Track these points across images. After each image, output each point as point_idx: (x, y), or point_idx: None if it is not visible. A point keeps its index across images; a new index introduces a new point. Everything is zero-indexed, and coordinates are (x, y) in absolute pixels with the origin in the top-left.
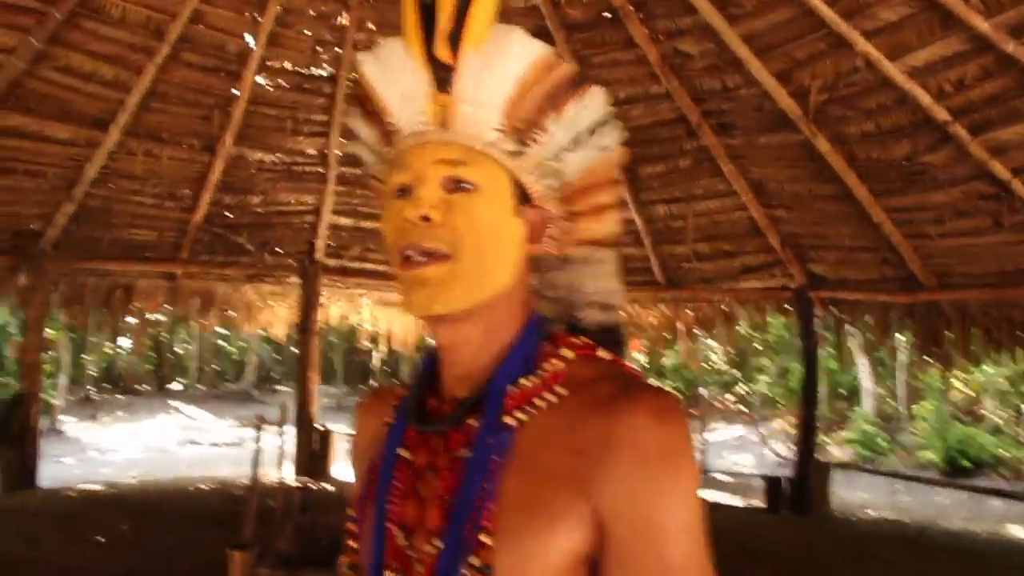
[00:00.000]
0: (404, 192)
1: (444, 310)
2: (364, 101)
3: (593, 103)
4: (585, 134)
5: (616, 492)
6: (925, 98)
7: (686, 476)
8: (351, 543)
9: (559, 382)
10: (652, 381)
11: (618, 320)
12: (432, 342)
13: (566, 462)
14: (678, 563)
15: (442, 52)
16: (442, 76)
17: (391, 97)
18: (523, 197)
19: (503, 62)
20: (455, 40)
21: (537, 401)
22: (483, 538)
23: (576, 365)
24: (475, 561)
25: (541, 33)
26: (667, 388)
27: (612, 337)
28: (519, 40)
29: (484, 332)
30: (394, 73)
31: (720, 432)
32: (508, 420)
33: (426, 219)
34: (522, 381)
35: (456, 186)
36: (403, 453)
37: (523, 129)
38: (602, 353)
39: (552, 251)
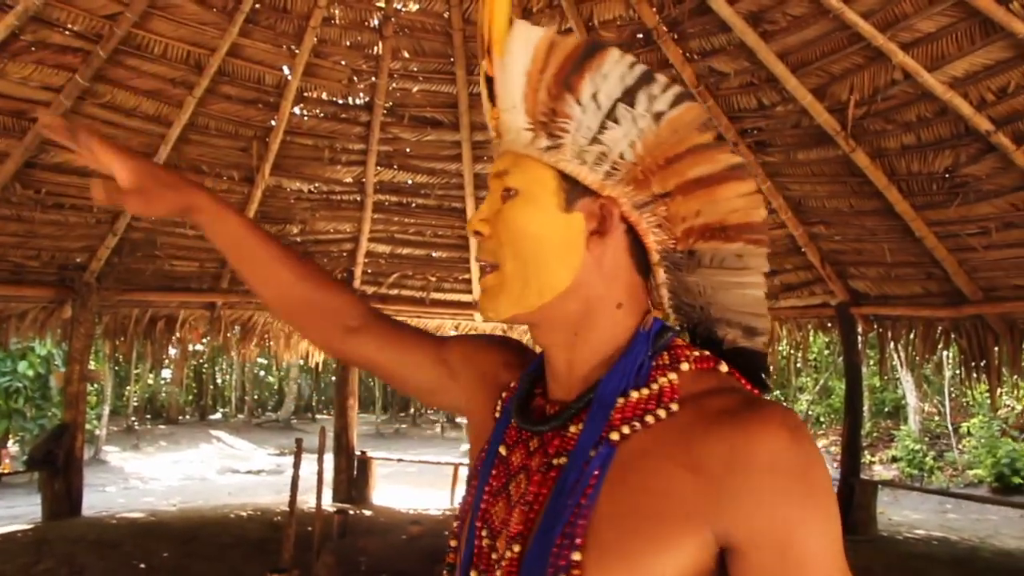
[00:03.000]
0: None
1: (496, 317)
2: None
3: (612, 68)
4: (621, 104)
5: (752, 515)
6: (966, 108)
7: (827, 497)
8: (452, 543)
9: (672, 398)
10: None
11: (762, 350)
12: None
13: (679, 480)
14: None
15: (488, 67)
16: (492, 90)
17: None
18: (582, 190)
19: (511, 60)
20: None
21: (647, 418)
22: (575, 556)
23: (690, 377)
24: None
25: None
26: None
27: (752, 366)
28: (520, 33)
29: (571, 335)
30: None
31: None
32: (613, 435)
33: (477, 234)
34: (632, 393)
35: (506, 195)
36: (502, 450)
37: (547, 121)
38: (723, 368)
39: (668, 244)
